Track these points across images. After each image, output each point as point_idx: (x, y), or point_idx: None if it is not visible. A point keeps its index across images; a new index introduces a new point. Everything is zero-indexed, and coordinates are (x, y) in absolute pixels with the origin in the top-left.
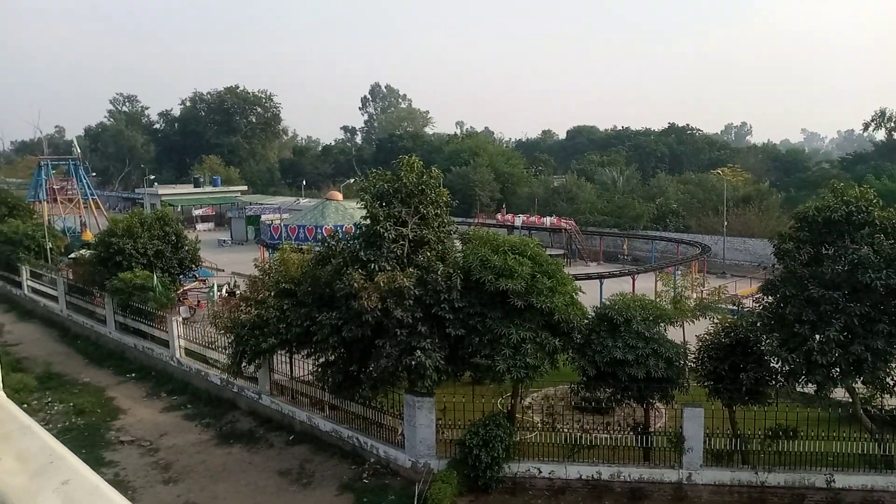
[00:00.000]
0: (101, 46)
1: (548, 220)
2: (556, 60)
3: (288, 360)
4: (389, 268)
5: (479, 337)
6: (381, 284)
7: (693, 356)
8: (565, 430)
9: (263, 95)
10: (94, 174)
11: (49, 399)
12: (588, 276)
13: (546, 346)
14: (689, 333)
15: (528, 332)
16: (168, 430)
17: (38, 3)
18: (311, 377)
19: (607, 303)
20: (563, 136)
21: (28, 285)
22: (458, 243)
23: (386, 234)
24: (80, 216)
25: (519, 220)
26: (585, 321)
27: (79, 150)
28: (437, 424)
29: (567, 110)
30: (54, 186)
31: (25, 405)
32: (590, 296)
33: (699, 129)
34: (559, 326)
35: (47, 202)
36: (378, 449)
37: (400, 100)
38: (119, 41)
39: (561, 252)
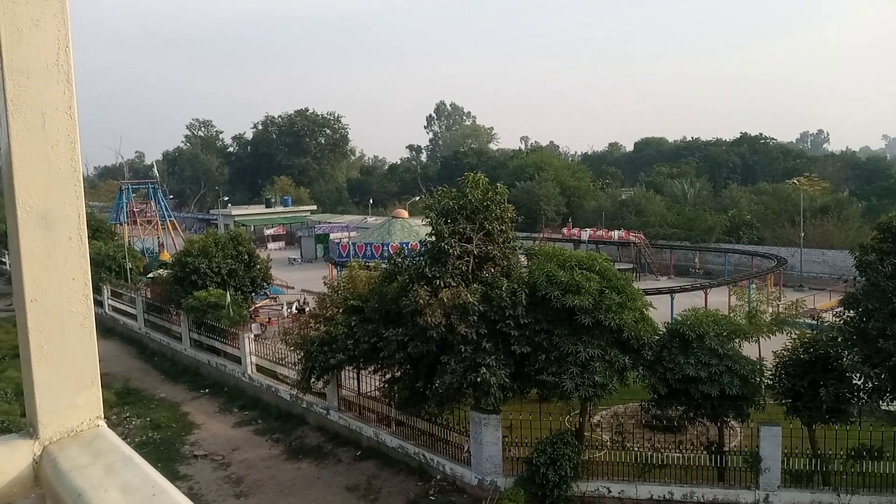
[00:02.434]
0: (177, 74)
1: (616, 234)
2: (621, 71)
3: (355, 375)
4: (454, 284)
5: (546, 354)
6: (446, 300)
7: (769, 373)
8: (636, 449)
9: (332, 117)
10: (171, 197)
11: (127, 414)
12: (658, 291)
13: (615, 363)
14: (766, 349)
15: (596, 349)
16: (239, 444)
17: (118, 34)
18: (377, 393)
19: (679, 318)
20: (630, 148)
21: (109, 304)
22: (523, 259)
23: (451, 251)
24: (159, 237)
25: (585, 235)
26: (656, 337)
27: (157, 174)
28: (504, 442)
29: (634, 122)
30: (134, 209)
31: (105, 419)
32: (660, 311)
33: (773, 138)
34: (629, 343)
35: (128, 224)
36: (444, 466)
37: (464, 117)
38: (194, 69)
39: (630, 266)
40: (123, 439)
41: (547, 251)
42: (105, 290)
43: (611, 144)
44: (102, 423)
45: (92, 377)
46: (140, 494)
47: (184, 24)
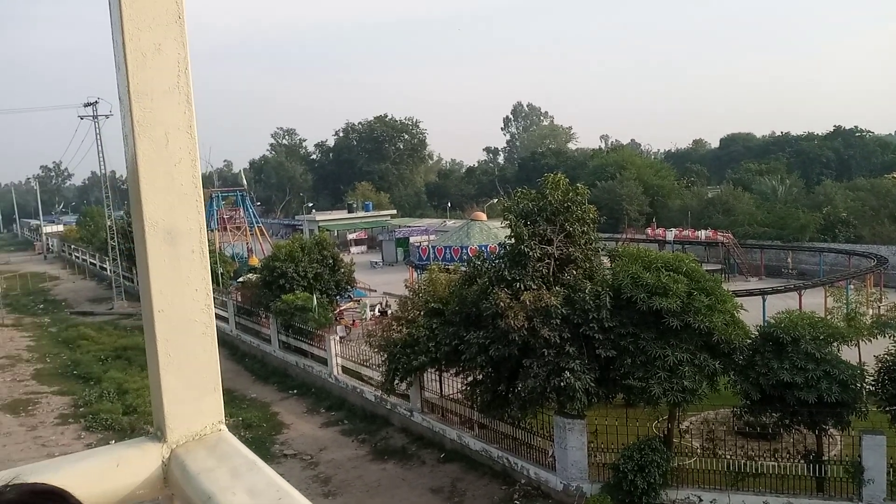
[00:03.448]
0: (262, 84)
1: (702, 234)
2: (705, 65)
3: (437, 378)
4: (535, 287)
5: (632, 358)
6: (528, 303)
7: (871, 378)
8: (728, 457)
9: (410, 122)
10: (258, 203)
11: None
12: (749, 293)
13: (704, 368)
14: (867, 353)
15: (684, 353)
16: (327, 444)
17: (205, 48)
18: (459, 396)
19: (772, 321)
20: (715, 144)
21: None
22: (606, 260)
23: (531, 253)
24: (247, 243)
25: (671, 235)
26: (748, 341)
27: (245, 182)
28: (589, 447)
29: (719, 118)
30: (224, 216)
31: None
32: (752, 314)
33: (869, 131)
34: (719, 347)
35: (218, 230)
36: (528, 470)
37: (542, 117)
38: (278, 78)
39: (718, 267)
40: None
41: (631, 252)
42: None
43: (695, 141)
44: (224, 427)
45: (214, 383)
46: (266, 498)
47: (267, 37)
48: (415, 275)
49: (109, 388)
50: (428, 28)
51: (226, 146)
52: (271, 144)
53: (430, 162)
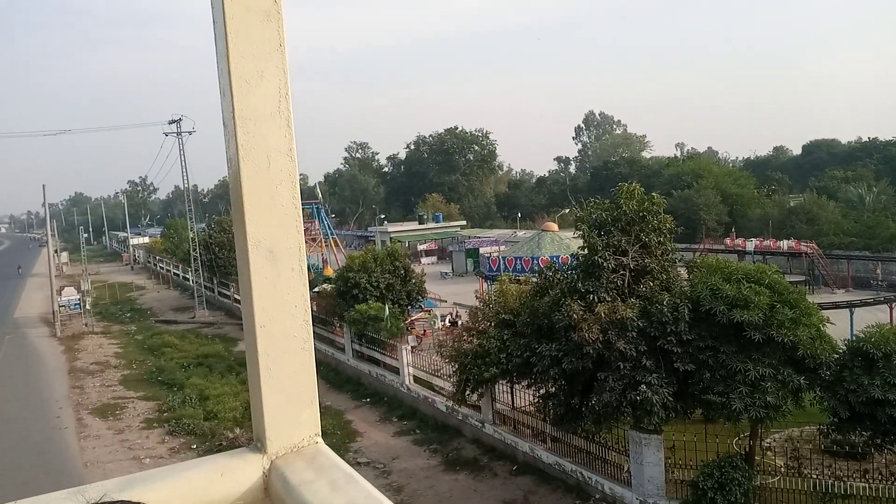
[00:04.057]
0: (336, 99)
1: (785, 244)
2: (786, 67)
3: (509, 389)
4: (609, 299)
5: (711, 372)
6: (602, 316)
7: None
8: (814, 476)
9: (480, 133)
10: (333, 216)
11: None
12: (835, 306)
13: (789, 383)
14: None
15: (767, 367)
16: (399, 453)
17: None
18: (531, 408)
19: (861, 335)
20: (797, 151)
21: None
22: (683, 272)
23: (605, 265)
24: (322, 254)
25: (751, 245)
26: (835, 356)
27: (320, 195)
28: (666, 463)
29: (801, 123)
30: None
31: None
32: (839, 327)
33: None
34: (803, 362)
35: None
36: (603, 485)
37: (615, 126)
38: (350, 93)
39: (802, 279)
40: None
41: (710, 263)
42: None
43: (776, 148)
44: (321, 440)
45: (311, 397)
46: None
47: (339, 54)
48: (485, 285)
49: (191, 395)
50: (498, 39)
51: (302, 160)
52: (345, 158)
53: (500, 172)
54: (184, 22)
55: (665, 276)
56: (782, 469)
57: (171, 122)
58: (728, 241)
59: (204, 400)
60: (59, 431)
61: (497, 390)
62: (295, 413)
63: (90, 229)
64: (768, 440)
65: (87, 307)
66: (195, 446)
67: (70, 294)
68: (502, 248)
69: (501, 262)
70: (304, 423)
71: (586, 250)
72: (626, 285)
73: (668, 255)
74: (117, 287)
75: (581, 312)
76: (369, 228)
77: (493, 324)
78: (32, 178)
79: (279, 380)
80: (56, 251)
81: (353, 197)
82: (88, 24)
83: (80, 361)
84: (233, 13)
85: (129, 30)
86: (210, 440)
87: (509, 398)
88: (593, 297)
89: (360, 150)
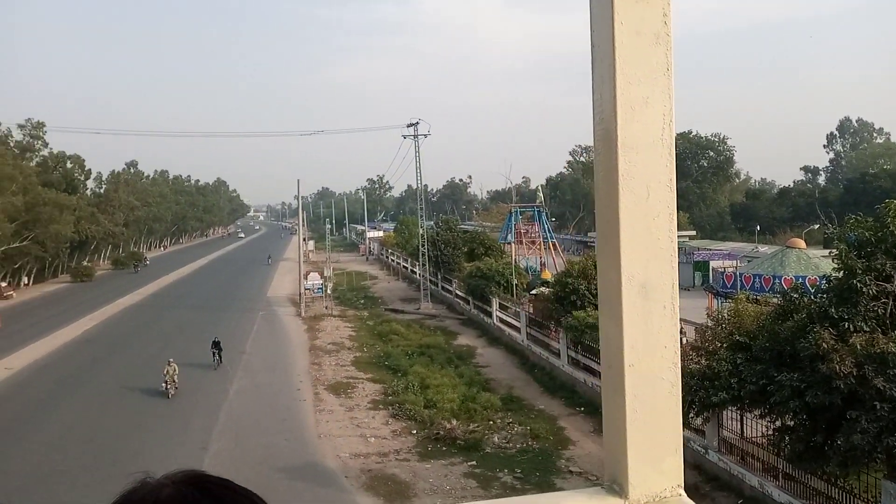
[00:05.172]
0: (560, 101)
1: None
2: None
3: (738, 417)
4: (867, 329)
5: None
6: (858, 347)
7: None
8: None
9: (716, 139)
10: (553, 219)
11: (510, 420)
12: None
13: None
14: None
15: None
16: None
17: (513, 68)
18: (763, 440)
19: None
20: None
21: (497, 315)
22: None
23: (864, 290)
24: (541, 257)
25: None
26: None
27: (542, 198)
28: None
29: None
30: (521, 230)
31: (491, 422)
32: None
33: None
34: None
35: (514, 244)
36: None
37: (875, 134)
38: (574, 95)
39: None
40: (506, 444)
41: None
42: (494, 303)
43: None
44: (683, 491)
45: (676, 445)
46: None
47: (561, 55)
48: (714, 302)
49: (414, 382)
50: (737, 39)
51: (524, 162)
52: (568, 162)
53: (737, 181)
54: (423, 30)
55: None
56: None
57: (408, 126)
58: None
59: (424, 388)
60: (298, 403)
61: (724, 416)
62: (658, 460)
63: (333, 221)
64: None
65: (328, 292)
66: (415, 431)
67: (314, 279)
68: (737, 262)
69: (738, 278)
70: (668, 471)
71: (842, 272)
72: (888, 315)
73: None
74: (353, 275)
75: (832, 342)
76: (589, 234)
77: (724, 345)
78: (287, 174)
79: (645, 423)
80: (304, 239)
81: (574, 201)
82: (339, 34)
83: (319, 340)
84: (622, 39)
85: (375, 38)
86: (429, 427)
87: (738, 426)
88: (848, 326)
89: (584, 154)
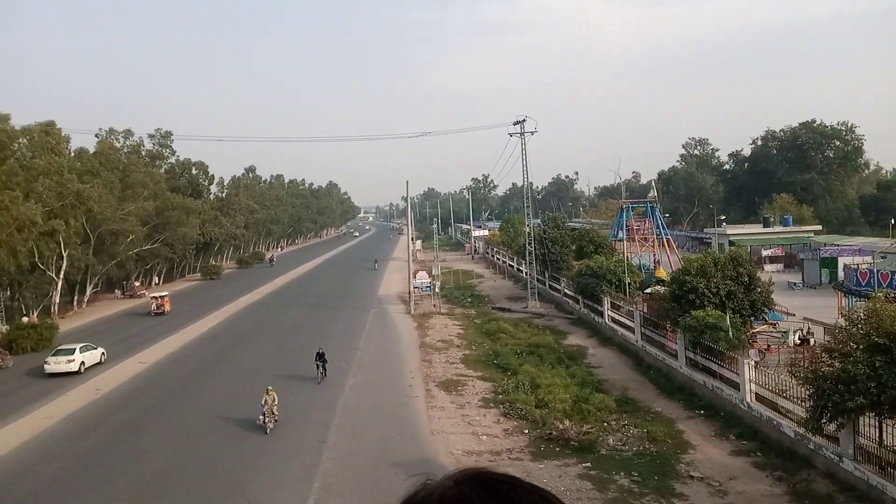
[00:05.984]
0: (672, 96)
1: None
2: None
3: (877, 423)
4: None
5: None
6: None
7: None
8: None
9: (843, 128)
10: (666, 215)
11: (625, 422)
12: None
13: None
14: None
15: None
16: (737, 474)
17: (618, 65)
18: None
19: None
20: None
21: (608, 315)
22: None
23: None
24: (654, 254)
25: None
26: None
27: (654, 193)
28: None
29: None
30: (633, 227)
31: (605, 423)
32: None
33: None
34: None
35: (626, 241)
36: None
37: None
38: (689, 89)
39: None
40: (621, 446)
41: None
42: (605, 302)
43: None
44: None
45: None
46: None
47: (673, 44)
48: (844, 301)
49: (524, 381)
50: (870, 22)
51: (636, 157)
52: (681, 155)
53: (867, 172)
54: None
55: None
56: None
57: (515, 123)
58: None
59: (535, 388)
60: (411, 399)
61: (861, 423)
62: None
63: (439, 221)
64: None
65: (436, 290)
66: (527, 431)
67: (422, 278)
68: (869, 259)
69: (873, 275)
70: None
71: None
72: None
73: None
74: (460, 274)
75: None
76: (705, 229)
77: (860, 347)
78: (395, 175)
79: None
80: (412, 239)
81: (688, 196)
82: (444, 36)
83: (428, 338)
84: None
85: (479, 39)
86: (541, 427)
87: (876, 433)
88: None
89: (698, 147)
